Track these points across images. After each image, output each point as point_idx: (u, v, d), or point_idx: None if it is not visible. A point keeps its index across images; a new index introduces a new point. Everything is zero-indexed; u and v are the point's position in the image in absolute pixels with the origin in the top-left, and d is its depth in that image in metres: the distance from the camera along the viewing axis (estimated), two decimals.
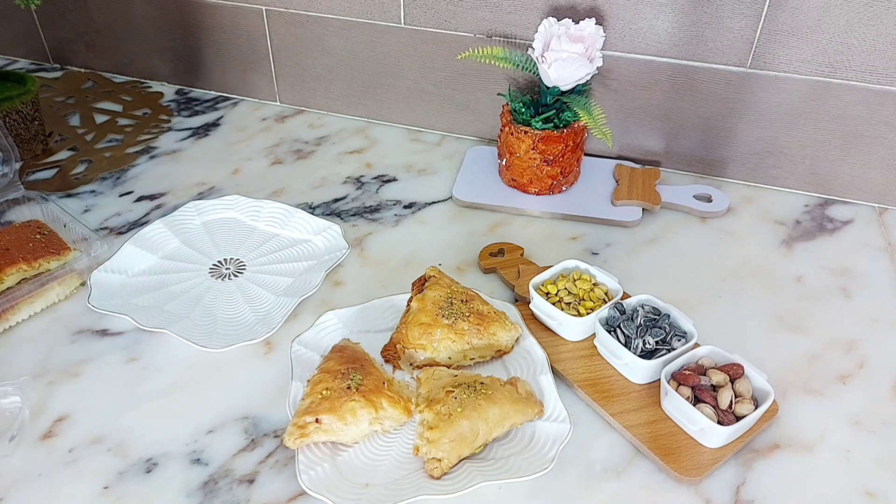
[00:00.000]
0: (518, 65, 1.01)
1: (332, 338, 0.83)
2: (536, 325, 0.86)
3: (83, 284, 0.91)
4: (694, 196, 1.07)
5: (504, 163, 1.08)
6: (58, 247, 0.89)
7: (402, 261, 0.97)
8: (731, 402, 0.73)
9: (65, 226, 0.94)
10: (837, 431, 0.76)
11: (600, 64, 0.98)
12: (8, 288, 0.85)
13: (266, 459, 0.73)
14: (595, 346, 0.83)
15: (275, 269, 0.95)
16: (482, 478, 0.68)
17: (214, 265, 0.95)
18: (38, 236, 0.90)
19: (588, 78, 0.98)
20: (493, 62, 1.00)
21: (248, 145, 1.21)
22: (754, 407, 0.73)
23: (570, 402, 0.78)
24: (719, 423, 0.71)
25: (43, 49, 1.41)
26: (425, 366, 0.80)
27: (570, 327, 0.83)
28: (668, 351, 0.78)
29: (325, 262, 0.94)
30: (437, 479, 0.69)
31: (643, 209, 1.05)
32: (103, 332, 0.86)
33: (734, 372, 0.75)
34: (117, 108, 1.30)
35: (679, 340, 0.79)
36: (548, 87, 0.99)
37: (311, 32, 1.20)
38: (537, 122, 1.01)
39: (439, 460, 0.68)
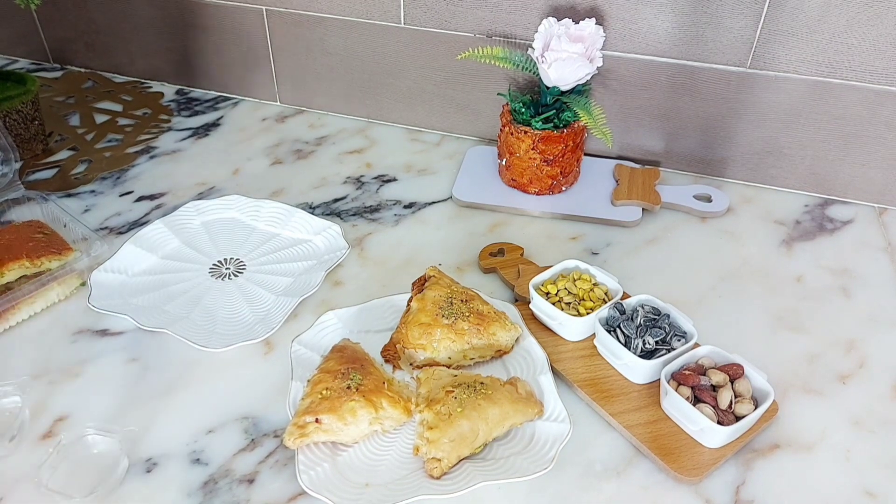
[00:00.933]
0: (518, 65, 1.01)
1: (332, 338, 0.83)
2: (536, 325, 0.86)
3: (83, 284, 0.91)
4: (694, 196, 1.07)
5: (504, 163, 1.08)
6: (59, 246, 0.89)
7: (402, 261, 0.97)
8: (731, 402, 0.73)
9: (65, 226, 0.94)
10: (837, 431, 0.76)
11: (600, 64, 0.98)
12: (7, 284, 0.85)
13: (266, 459, 0.73)
14: (595, 346, 0.83)
15: (275, 269, 0.95)
16: (482, 478, 0.68)
17: (214, 265, 0.95)
18: (39, 235, 0.90)
19: (588, 78, 0.98)
20: (493, 62, 1.00)
21: (248, 145, 1.21)
22: (754, 407, 0.73)
23: (570, 402, 0.78)
24: (719, 423, 0.71)
25: (43, 49, 1.41)
26: (425, 366, 0.80)
27: (570, 327, 0.83)
28: (668, 351, 0.78)
29: (325, 262, 0.94)
30: (437, 478, 0.69)
31: (643, 209, 1.05)
32: (103, 332, 0.86)
33: (734, 372, 0.75)
34: (117, 107, 1.30)
35: (679, 340, 0.79)
36: (548, 87, 0.99)
37: (311, 32, 1.20)
38: (537, 122, 1.01)
39: (439, 460, 0.68)
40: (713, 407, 0.72)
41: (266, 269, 0.95)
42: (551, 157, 1.03)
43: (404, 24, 1.14)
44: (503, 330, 0.81)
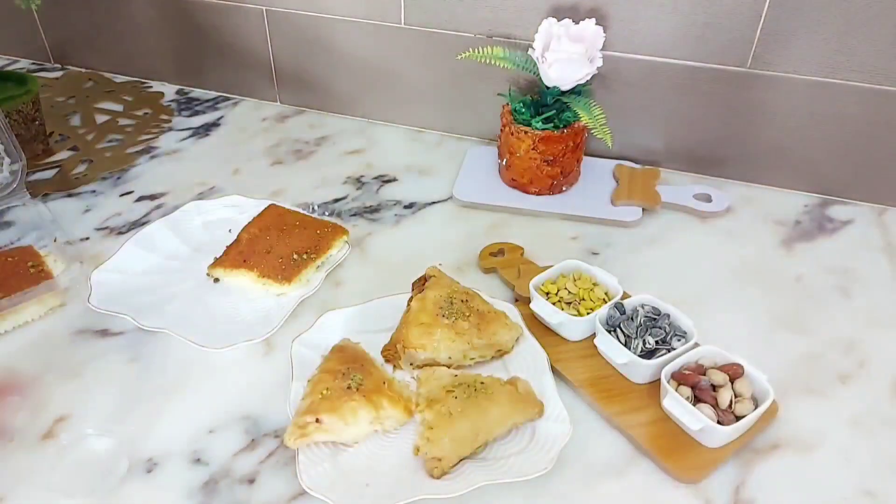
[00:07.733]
0: (518, 65, 1.01)
1: (332, 338, 0.83)
2: (536, 324, 0.86)
3: (62, 305, 0.88)
4: (694, 196, 1.07)
5: (504, 163, 1.08)
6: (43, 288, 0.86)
7: (402, 261, 0.97)
8: (731, 401, 0.73)
9: (55, 240, 0.92)
10: (837, 431, 0.76)
11: (600, 64, 0.98)
12: None
13: (266, 459, 0.73)
14: (595, 346, 0.83)
15: None
16: (482, 478, 0.68)
17: None
18: (31, 269, 0.87)
19: (588, 78, 0.98)
20: (493, 62, 1.00)
21: (248, 145, 1.21)
22: (754, 407, 0.73)
23: (571, 402, 0.78)
24: (719, 423, 0.71)
25: (44, 49, 1.41)
26: (425, 366, 0.80)
27: (571, 327, 0.83)
28: (668, 351, 0.78)
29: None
30: (438, 478, 0.69)
31: (643, 209, 1.05)
32: (103, 332, 0.86)
33: (734, 372, 0.75)
34: (118, 107, 1.30)
35: (679, 340, 0.79)
36: (548, 87, 0.99)
37: (311, 32, 1.20)
38: (537, 122, 1.01)
39: (439, 460, 0.68)
40: (713, 407, 0.72)
41: None
42: (551, 157, 1.03)
43: (404, 24, 1.14)
44: (503, 329, 0.81)
